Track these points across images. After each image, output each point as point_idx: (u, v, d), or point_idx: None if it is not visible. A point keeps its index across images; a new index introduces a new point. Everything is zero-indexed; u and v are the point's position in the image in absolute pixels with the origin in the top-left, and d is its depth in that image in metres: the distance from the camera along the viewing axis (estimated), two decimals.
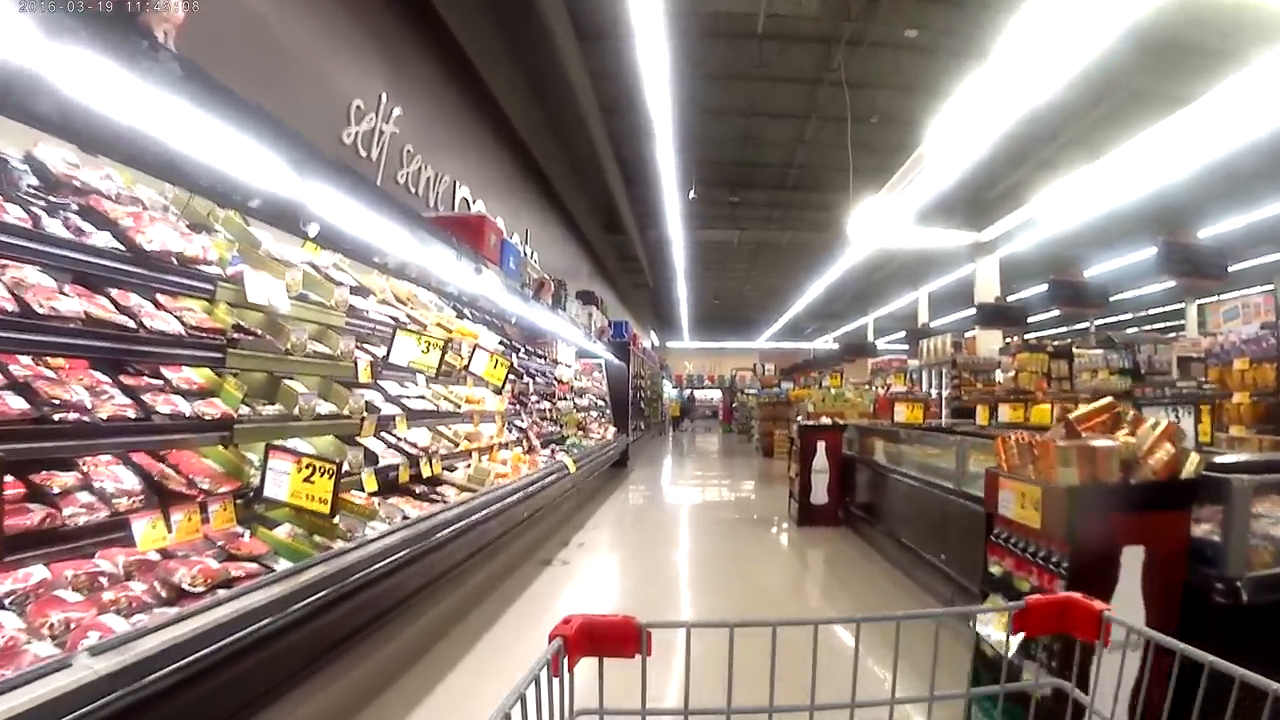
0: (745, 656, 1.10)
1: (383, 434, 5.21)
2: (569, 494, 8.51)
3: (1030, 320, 20.75)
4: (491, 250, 6.11)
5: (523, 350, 8.91)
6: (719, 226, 23.51)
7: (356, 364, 4.65)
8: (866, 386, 15.45)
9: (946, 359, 19.70)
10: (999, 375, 20.29)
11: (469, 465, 6.25)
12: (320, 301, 4.50)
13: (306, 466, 3.49)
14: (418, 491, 5.41)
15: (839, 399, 12.02)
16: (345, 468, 4.28)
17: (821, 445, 8.04)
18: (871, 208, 10.59)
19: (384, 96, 6.63)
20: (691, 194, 16.59)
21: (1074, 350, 17.65)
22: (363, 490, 4.55)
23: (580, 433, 11.30)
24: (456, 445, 6.05)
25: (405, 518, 4.56)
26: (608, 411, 14.56)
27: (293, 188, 3.31)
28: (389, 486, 5.02)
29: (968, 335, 21.07)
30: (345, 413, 4.39)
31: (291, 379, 4.17)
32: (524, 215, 12.11)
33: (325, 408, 4.28)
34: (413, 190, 7.39)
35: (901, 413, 8.05)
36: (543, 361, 9.77)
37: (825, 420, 8.54)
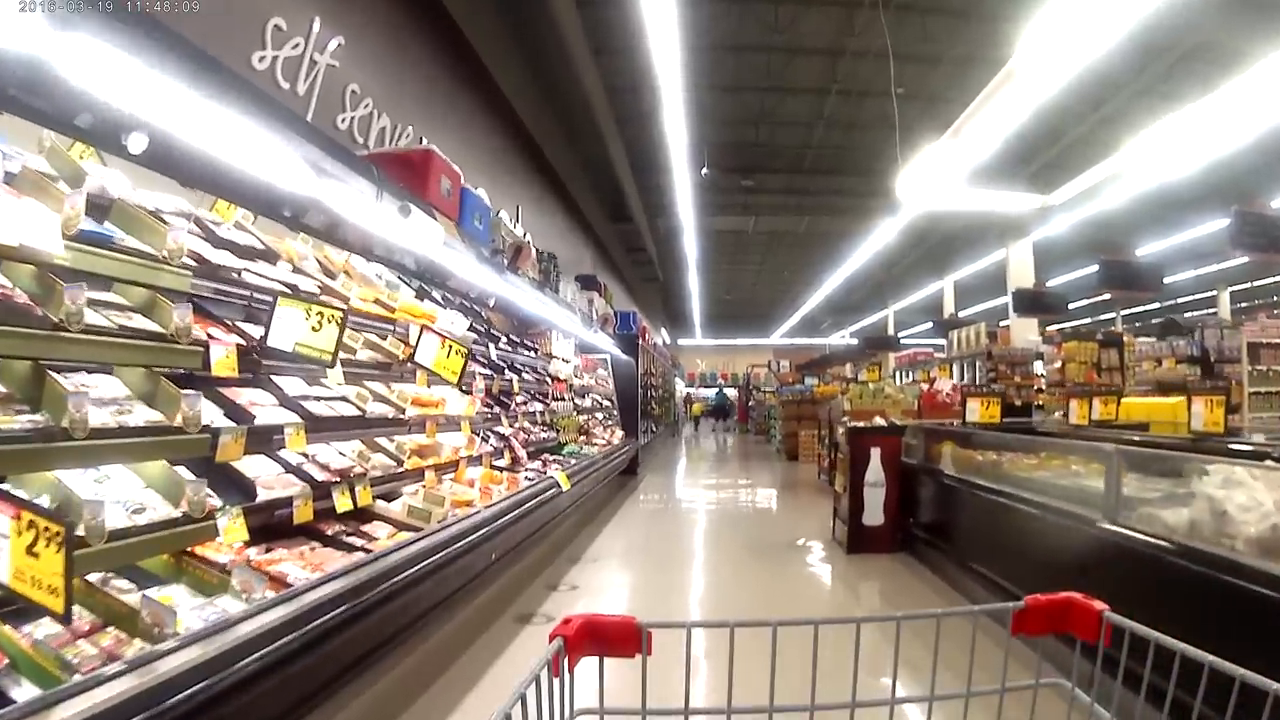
0: (745, 657, 1.09)
1: (279, 453, 3.63)
2: (564, 515, 6.92)
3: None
4: (442, 198, 4.52)
5: (504, 340, 7.31)
6: (732, 213, 22.00)
7: (209, 349, 3.04)
8: (909, 381, 13.76)
9: (981, 350, 18.11)
10: (1039, 367, 18.77)
11: (418, 490, 4.66)
12: (140, 250, 2.90)
13: (28, 527, 1.90)
14: (330, 533, 3.83)
15: (879, 395, 10.39)
16: (183, 509, 2.71)
17: (876, 453, 6.42)
18: (928, 160, 8.87)
19: (316, 22, 5.20)
20: (704, 171, 15.02)
21: (1124, 339, 16.05)
22: (228, 541, 2.98)
23: (582, 438, 9.70)
24: (399, 464, 4.45)
25: (287, 585, 2.99)
26: (615, 413, 12.94)
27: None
28: (278, 530, 3.45)
29: (1002, 325, 19.50)
30: (177, 423, 2.77)
31: (66, 370, 2.59)
32: (516, 192, 10.60)
33: (140, 415, 2.68)
34: (359, 139, 5.91)
35: (975, 410, 6.41)
36: (532, 355, 8.16)
37: (879, 421, 6.87)
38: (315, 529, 3.82)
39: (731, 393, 45.61)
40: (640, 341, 13.99)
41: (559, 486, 6.17)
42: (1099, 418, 6.83)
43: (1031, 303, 17.39)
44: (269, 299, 3.47)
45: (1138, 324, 28.98)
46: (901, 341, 29.74)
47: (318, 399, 4.00)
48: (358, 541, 3.87)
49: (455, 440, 5.45)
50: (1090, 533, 3.69)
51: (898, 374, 23.38)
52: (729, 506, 10.73)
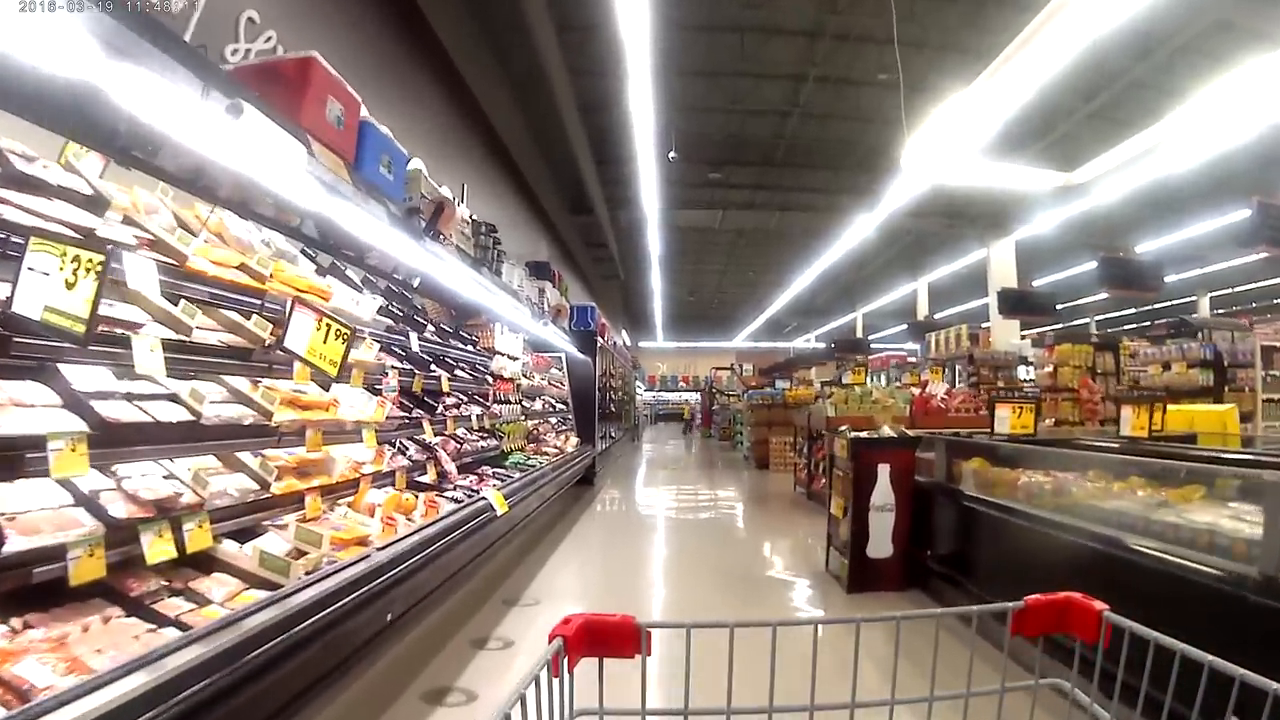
0: (745, 657, 1.09)
1: (71, 479, 2.41)
2: (505, 540, 5.72)
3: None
4: (330, 127, 3.30)
5: (432, 330, 6.07)
6: (699, 207, 20.89)
7: None
8: (897, 384, 12.66)
9: (962, 354, 17.17)
10: (1022, 371, 17.86)
11: (290, 525, 3.43)
12: None
13: None
14: (140, 594, 2.62)
15: (865, 400, 9.29)
16: None
17: (885, 471, 5.25)
18: (946, 117, 7.73)
19: None
20: (671, 155, 13.86)
21: (1120, 343, 15.16)
22: None
23: (531, 447, 8.48)
24: (265, 487, 3.23)
25: (23, 700, 1.80)
26: (569, 418, 11.70)
27: None
28: (60, 591, 2.25)
29: (983, 327, 18.61)
30: None
31: None
32: (462, 170, 9.39)
33: None
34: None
35: (1005, 420, 5.27)
36: (470, 350, 6.92)
37: (887, 431, 5.69)
38: (121, 589, 2.61)
39: (692, 396, 44.98)
40: (599, 339, 12.76)
41: (493, 510, 4.95)
42: (1130, 432, 5.72)
43: (1018, 303, 16.51)
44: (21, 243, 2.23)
45: (1124, 328, 28.39)
46: (872, 345, 28.84)
47: (128, 397, 2.76)
48: (180, 607, 2.65)
49: (358, 454, 4.22)
50: (1237, 595, 2.57)
51: (875, 378, 22.42)
52: (699, 525, 9.39)
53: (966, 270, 23.56)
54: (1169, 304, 31.30)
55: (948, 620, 1.22)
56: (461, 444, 5.95)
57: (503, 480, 6.13)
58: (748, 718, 1.11)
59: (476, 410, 6.51)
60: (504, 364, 7.78)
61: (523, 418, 8.36)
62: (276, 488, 3.37)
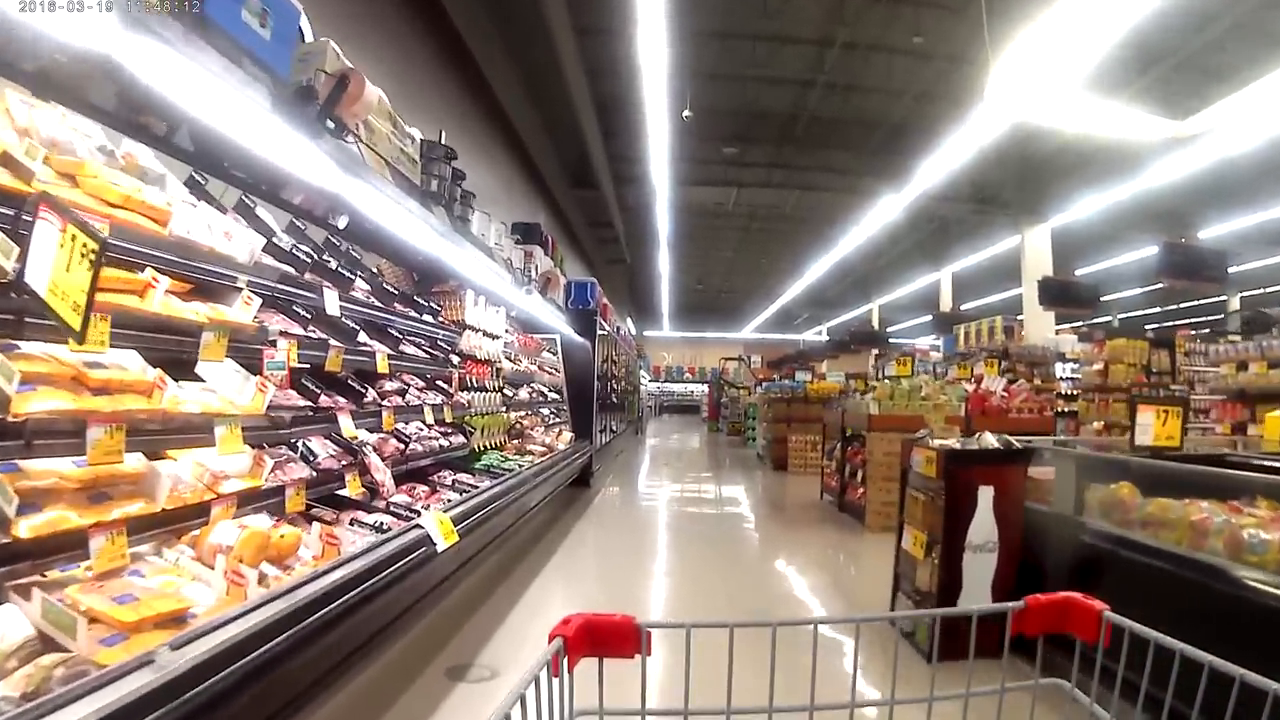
0: (745, 657, 1.08)
1: None
2: (457, 578, 4.29)
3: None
4: None
5: (365, 291, 4.60)
6: (711, 184, 19.42)
7: None
8: (945, 378, 11.17)
9: (996, 348, 15.71)
10: (1060, 368, 16.39)
11: (38, 595, 1.99)
12: None
13: None
14: None
15: (913, 397, 7.82)
16: None
17: (987, 495, 3.79)
18: (1031, 47, 6.21)
19: None
20: (686, 114, 12.38)
21: (1176, 338, 13.67)
22: None
23: (513, 444, 7.04)
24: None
25: None
26: (564, 408, 10.23)
27: None
28: None
29: (1017, 320, 17.14)
30: None
31: None
32: (438, 112, 7.99)
33: None
34: None
35: (1149, 428, 3.79)
36: (427, 322, 5.42)
37: (989, 440, 4.13)
38: None
39: (698, 388, 43.67)
40: (600, 321, 11.24)
41: (433, 542, 3.49)
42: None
43: (1059, 294, 14.97)
44: None
45: (1149, 326, 26.80)
46: (890, 339, 27.41)
47: None
48: None
49: (219, 462, 2.78)
50: None
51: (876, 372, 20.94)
52: (713, 546, 7.65)
53: (989, 261, 22.09)
54: (1196, 303, 29.74)
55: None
56: (407, 443, 4.48)
57: (464, 492, 4.68)
58: (748, 718, 1.12)
59: (434, 399, 5.05)
60: (478, 342, 6.30)
61: (504, 409, 6.91)
62: (25, 527, 1.94)
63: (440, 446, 5.05)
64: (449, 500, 4.38)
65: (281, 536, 2.90)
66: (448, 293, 6.03)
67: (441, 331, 5.54)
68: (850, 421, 8.40)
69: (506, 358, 7.59)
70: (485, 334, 6.53)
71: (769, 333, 46.23)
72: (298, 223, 4.42)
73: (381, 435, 4.36)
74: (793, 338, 45.46)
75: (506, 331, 7.63)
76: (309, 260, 3.74)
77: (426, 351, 5.19)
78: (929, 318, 21.87)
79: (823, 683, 1.09)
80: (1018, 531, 3.90)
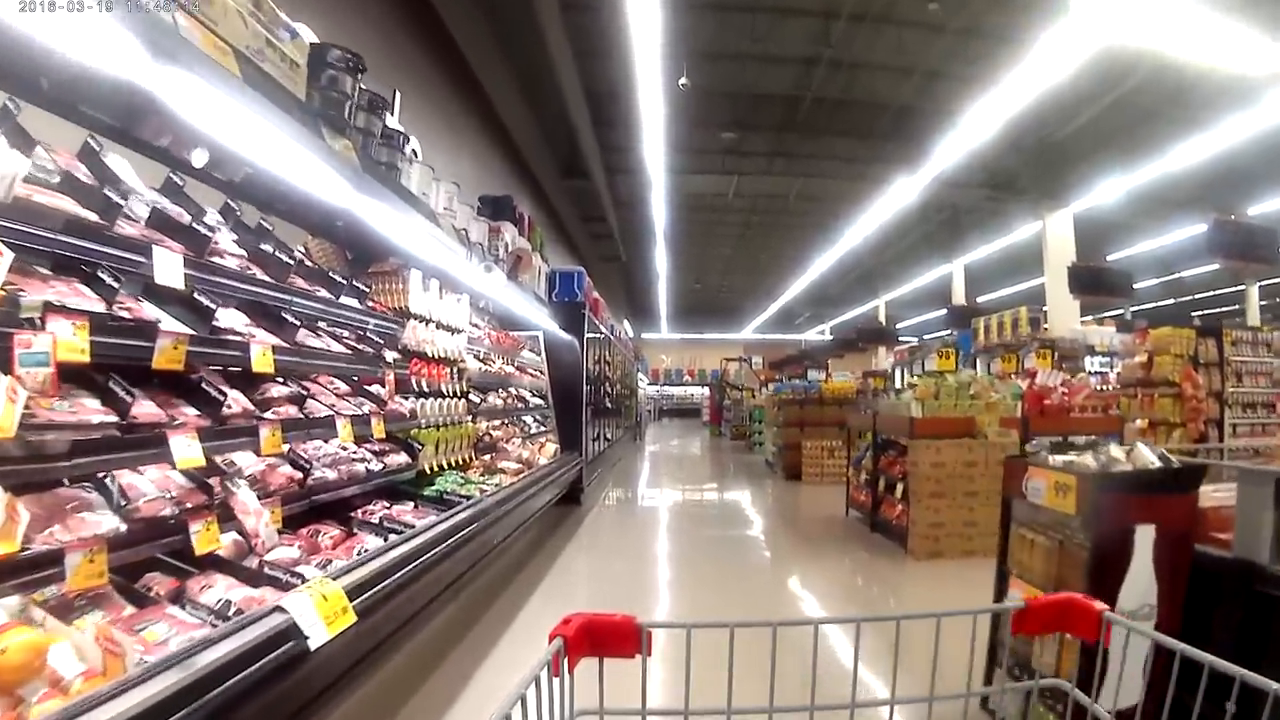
0: (745, 656, 1.07)
1: None
2: (349, 684, 3.04)
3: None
4: None
5: (235, 254, 3.32)
6: (709, 172, 18.23)
7: None
8: (1000, 376, 9.87)
9: (1022, 341, 14.49)
10: (1090, 362, 15.17)
11: None
12: None
13: None
14: None
15: (961, 395, 6.55)
16: None
17: (1146, 537, 2.50)
18: None
19: None
20: (682, 82, 11.20)
21: (1223, 328, 12.42)
22: None
23: (481, 461, 5.79)
24: None
25: None
26: (550, 415, 8.94)
27: None
28: None
29: (1042, 310, 15.93)
30: None
31: None
32: (399, 70, 6.77)
33: None
34: None
35: None
36: (350, 309, 4.15)
37: (1145, 455, 2.76)
38: None
39: (698, 391, 42.64)
40: (589, 315, 9.94)
41: (303, 634, 2.21)
42: None
43: (1090, 281, 13.79)
44: None
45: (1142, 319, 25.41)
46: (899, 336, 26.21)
47: None
48: None
49: None
50: None
51: (905, 371, 19.70)
52: (728, 581, 6.11)
53: (1004, 251, 20.86)
54: (1209, 294, 28.50)
55: None
56: (307, 470, 3.22)
57: (394, 533, 3.42)
58: (748, 717, 1.11)
59: (356, 407, 3.78)
60: (429, 336, 5.01)
61: (469, 418, 5.64)
62: None
63: (368, 471, 3.79)
64: (362, 551, 3.11)
65: (2, 653, 1.66)
66: (387, 274, 4.75)
67: (372, 320, 4.26)
68: (885, 426, 7.11)
69: (475, 357, 6.33)
70: (440, 326, 5.24)
71: (769, 333, 45.26)
72: (175, 178, 3.19)
73: (270, 461, 3.10)
74: (794, 338, 44.53)
75: (474, 326, 6.38)
76: (121, 206, 2.48)
77: (348, 345, 3.91)
78: (942, 312, 20.57)
79: (822, 683, 1.10)
80: (1182, 588, 2.64)
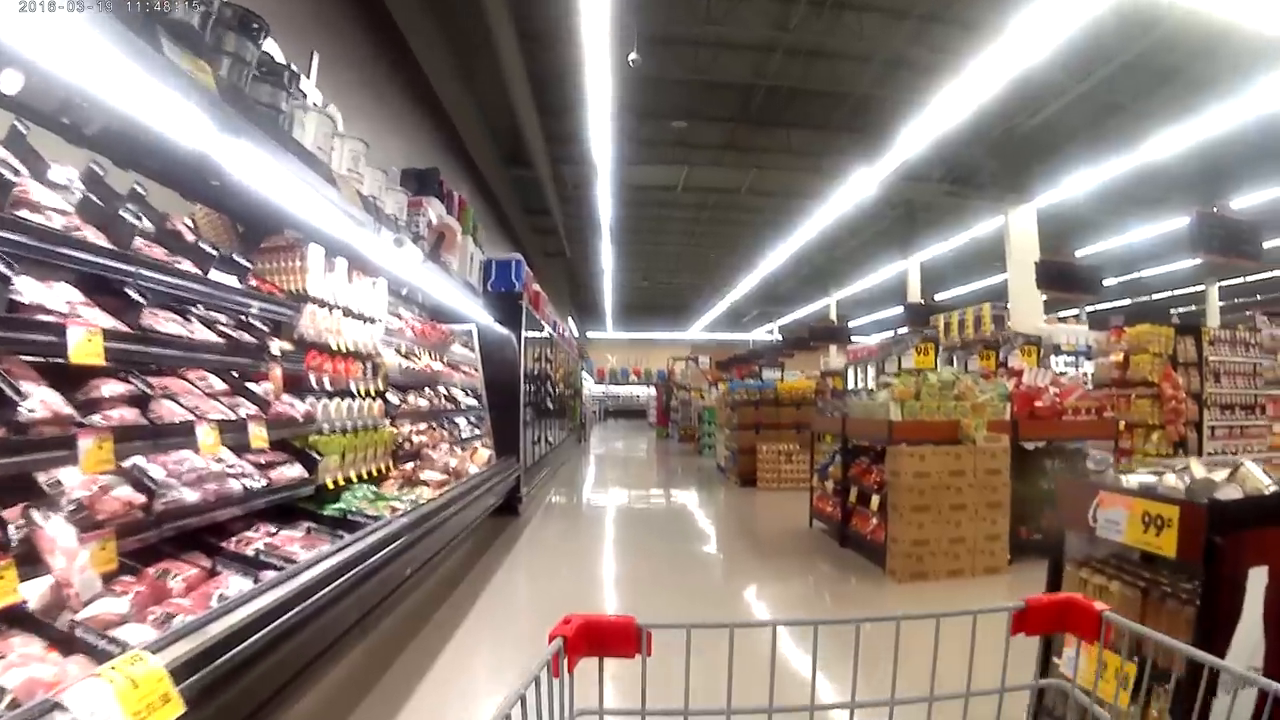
0: (745, 657, 1.04)
1: None
2: None
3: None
4: None
5: (64, 214, 2.54)
6: (658, 163, 17.63)
7: None
8: (984, 375, 9.32)
9: (987, 339, 14.09)
10: (1056, 361, 14.79)
11: None
12: None
13: None
14: None
15: (944, 395, 5.95)
16: None
17: (1258, 582, 1.88)
18: None
19: None
20: (632, 58, 10.47)
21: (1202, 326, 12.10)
22: None
23: (400, 471, 5.03)
24: None
25: None
26: (485, 416, 8.17)
27: None
28: None
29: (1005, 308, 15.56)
30: None
31: None
32: (335, 66, 5.99)
33: None
34: None
35: None
36: (223, 288, 3.37)
37: (1257, 476, 2.19)
38: None
39: (643, 391, 42.08)
40: (529, 308, 9.16)
41: None
42: None
43: (1058, 277, 13.45)
44: None
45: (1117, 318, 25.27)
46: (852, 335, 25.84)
47: None
48: None
49: None
50: None
51: (861, 370, 19.26)
52: (688, 606, 5.44)
53: (962, 247, 20.58)
54: (1174, 293, 28.61)
55: None
56: (152, 492, 2.46)
57: (269, 568, 2.68)
58: (748, 718, 1.09)
59: (229, 409, 3.02)
60: (333, 324, 4.23)
61: (385, 422, 4.87)
62: None
63: (246, 489, 3.02)
64: (220, 599, 2.37)
65: None
66: (282, 249, 3.96)
67: (256, 303, 3.47)
68: (856, 430, 6.48)
69: (396, 351, 5.56)
70: (349, 314, 4.48)
71: (717, 332, 44.81)
72: (20, 125, 2.42)
73: (103, 481, 2.34)
74: (742, 337, 44.16)
75: (395, 316, 5.62)
76: None
77: (221, 333, 3.14)
78: (897, 310, 20.18)
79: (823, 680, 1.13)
80: None
